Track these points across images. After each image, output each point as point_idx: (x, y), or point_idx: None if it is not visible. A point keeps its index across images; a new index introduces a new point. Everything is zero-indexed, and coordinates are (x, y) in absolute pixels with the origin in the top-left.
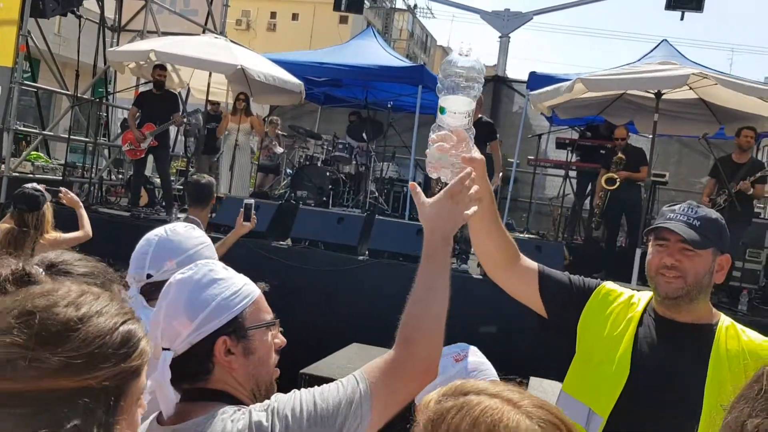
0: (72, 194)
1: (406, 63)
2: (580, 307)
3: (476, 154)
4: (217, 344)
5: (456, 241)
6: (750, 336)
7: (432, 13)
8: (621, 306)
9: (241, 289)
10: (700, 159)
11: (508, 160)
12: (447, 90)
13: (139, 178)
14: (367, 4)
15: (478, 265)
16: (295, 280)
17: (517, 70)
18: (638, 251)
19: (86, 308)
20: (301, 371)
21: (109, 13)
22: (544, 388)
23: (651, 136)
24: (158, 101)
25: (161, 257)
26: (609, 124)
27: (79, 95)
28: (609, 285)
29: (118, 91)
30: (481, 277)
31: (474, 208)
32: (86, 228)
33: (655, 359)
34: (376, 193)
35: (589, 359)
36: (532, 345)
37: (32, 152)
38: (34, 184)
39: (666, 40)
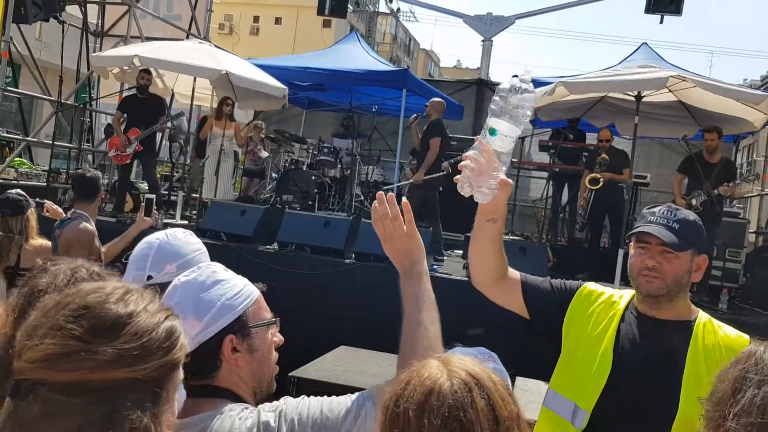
0: (56, 206)
1: (390, 67)
2: (564, 309)
3: (504, 177)
4: (224, 342)
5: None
6: (726, 331)
7: (415, 17)
8: (602, 305)
9: (243, 289)
10: (681, 160)
11: None
12: (503, 114)
13: (124, 183)
14: (350, 8)
15: (464, 267)
16: (282, 284)
17: (500, 74)
18: (621, 252)
19: (133, 305)
20: (290, 374)
21: (92, 18)
22: (529, 388)
23: (632, 138)
24: (143, 105)
25: (162, 260)
26: (572, 125)
27: (62, 101)
28: (590, 286)
29: (102, 97)
30: (466, 279)
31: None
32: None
33: (636, 354)
34: (362, 197)
35: (574, 357)
36: (518, 346)
37: (15, 158)
38: (18, 190)
39: (646, 43)
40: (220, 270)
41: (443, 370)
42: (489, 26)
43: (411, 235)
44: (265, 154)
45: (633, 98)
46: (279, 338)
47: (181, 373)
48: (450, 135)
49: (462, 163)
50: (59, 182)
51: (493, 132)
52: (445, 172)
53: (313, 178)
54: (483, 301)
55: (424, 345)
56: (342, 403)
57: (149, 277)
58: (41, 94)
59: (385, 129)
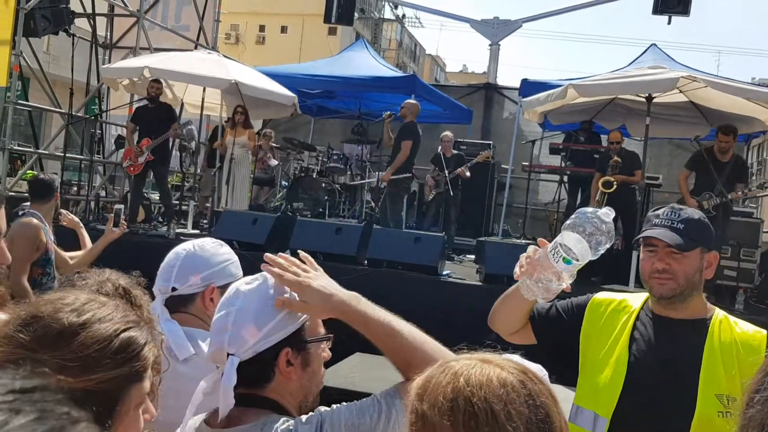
0: (72, 216)
1: (398, 73)
2: (577, 331)
3: (567, 279)
4: (281, 354)
5: None
6: (742, 327)
7: (420, 23)
8: (614, 312)
9: None
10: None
11: (503, 166)
12: (589, 243)
13: (137, 194)
14: (355, 15)
15: (477, 271)
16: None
17: (508, 77)
18: (635, 253)
19: (89, 315)
20: None
21: (101, 30)
22: None
23: (643, 140)
24: (154, 114)
25: (187, 272)
26: (585, 127)
27: (73, 113)
28: (599, 296)
29: (112, 109)
30: (479, 284)
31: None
32: (87, 245)
33: (651, 356)
34: (372, 203)
35: (592, 369)
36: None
37: (27, 171)
38: None
39: (655, 44)
40: (279, 284)
41: (492, 364)
42: (496, 30)
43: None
44: (274, 162)
45: (644, 99)
46: (327, 354)
47: (146, 386)
48: (459, 139)
49: (521, 272)
50: (71, 194)
51: (568, 261)
52: (410, 174)
53: (323, 185)
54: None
55: (431, 345)
56: (371, 404)
57: (173, 289)
58: (51, 107)
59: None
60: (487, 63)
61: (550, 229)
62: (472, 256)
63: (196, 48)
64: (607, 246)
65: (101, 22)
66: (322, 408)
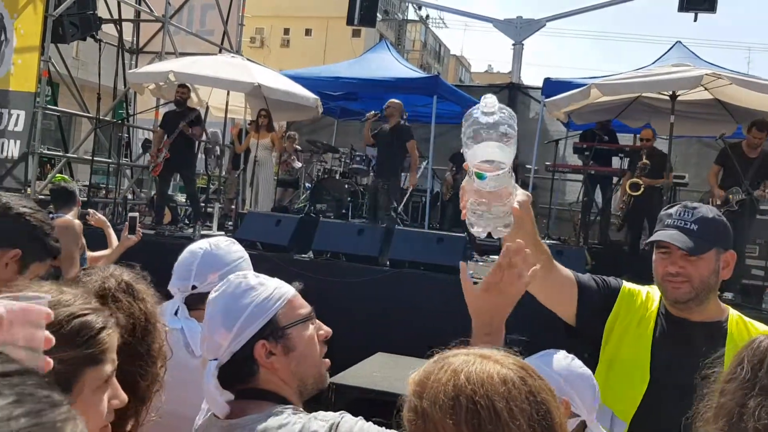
0: (99, 215)
1: (421, 74)
2: (607, 312)
3: (519, 197)
4: (256, 348)
5: None
6: (757, 328)
7: (444, 23)
8: (639, 308)
9: (273, 292)
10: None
11: (527, 166)
12: (487, 141)
13: (162, 197)
14: (379, 17)
15: None
16: (318, 292)
17: (531, 77)
18: None
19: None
20: (329, 381)
21: (127, 35)
22: None
23: (668, 138)
24: (179, 118)
25: (205, 270)
26: (602, 125)
27: (101, 117)
28: (628, 286)
29: (139, 113)
30: None
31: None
32: (113, 245)
33: (673, 361)
34: (395, 204)
35: (612, 364)
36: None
37: (57, 175)
38: None
39: (680, 41)
40: (251, 277)
41: (487, 361)
42: (519, 30)
43: (520, 290)
44: (298, 164)
45: (668, 97)
46: (325, 330)
47: (104, 373)
48: None
49: (463, 211)
50: (99, 197)
51: (481, 177)
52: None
53: (346, 186)
54: (518, 305)
55: None
56: None
57: (194, 287)
58: (79, 112)
59: (417, 135)
60: (511, 63)
61: (574, 229)
62: (495, 257)
63: (220, 52)
64: (511, 124)
65: (127, 28)
66: (348, 415)
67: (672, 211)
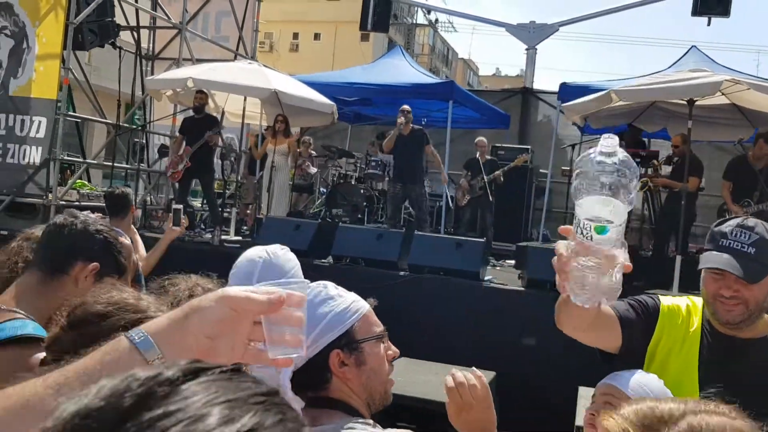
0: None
1: (436, 79)
2: (649, 336)
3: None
4: (331, 357)
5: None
6: None
7: (454, 27)
8: (681, 326)
9: (351, 305)
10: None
11: (541, 171)
12: (614, 195)
13: (181, 202)
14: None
15: (519, 277)
16: None
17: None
18: (678, 258)
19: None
20: None
21: (143, 42)
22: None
23: (687, 144)
24: (199, 124)
25: (267, 278)
26: (634, 133)
27: (120, 123)
28: (665, 301)
29: (157, 120)
30: (521, 289)
31: None
32: (141, 252)
33: (723, 380)
34: (410, 209)
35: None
36: (575, 354)
37: (77, 180)
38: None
39: (695, 46)
40: (331, 287)
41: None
42: (532, 34)
43: (489, 405)
44: (313, 170)
45: (685, 102)
46: (394, 351)
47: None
48: (497, 144)
49: (567, 274)
50: None
51: (602, 230)
52: None
53: (362, 191)
54: (537, 311)
55: None
56: None
57: None
58: (97, 118)
59: (432, 141)
60: (520, 66)
61: None
62: (512, 261)
63: (235, 58)
64: (637, 178)
65: (144, 34)
66: None
67: (727, 230)
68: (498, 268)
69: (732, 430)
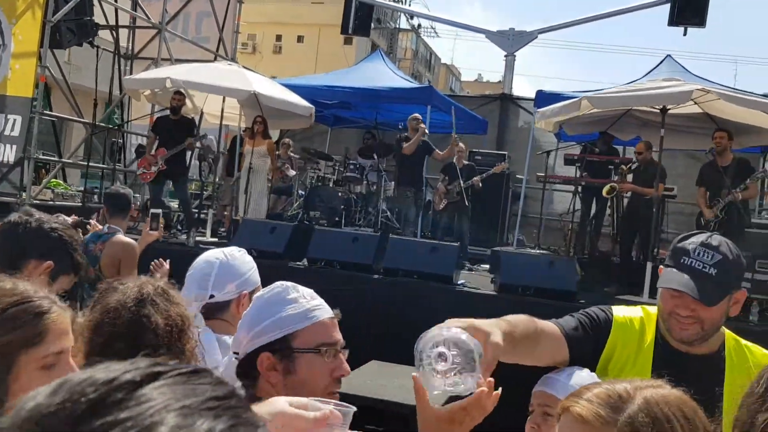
0: (99, 225)
1: (415, 84)
2: (601, 347)
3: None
4: (260, 358)
5: None
6: (753, 351)
7: (436, 32)
8: (635, 338)
9: (303, 311)
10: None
11: (518, 176)
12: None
13: (156, 202)
14: (372, 25)
15: (492, 281)
16: None
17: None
18: (649, 265)
19: None
20: None
21: (122, 41)
22: None
23: (658, 151)
24: (174, 126)
25: (224, 280)
26: (605, 139)
27: (97, 123)
28: (619, 313)
29: (134, 119)
30: (494, 293)
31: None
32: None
33: None
34: (388, 212)
35: None
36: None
37: (52, 180)
38: None
39: (670, 55)
40: (291, 290)
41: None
42: (511, 41)
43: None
44: (292, 172)
45: (658, 111)
46: (344, 369)
47: (46, 352)
48: (474, 150)
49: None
50: (93, 202)
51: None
52: None
53: (340, 194)
54: (508, 314)
55: None
56: None
57: (212, 296)
58: (73, 117)
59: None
60: (502, 72)
61: (564, 239)
62: (487, 266)
63: (215, 59)
64: (468, 382)
65: (123, 34)
66: None
67: (690, 248)
68: (473, 272)
69: (676, 398)
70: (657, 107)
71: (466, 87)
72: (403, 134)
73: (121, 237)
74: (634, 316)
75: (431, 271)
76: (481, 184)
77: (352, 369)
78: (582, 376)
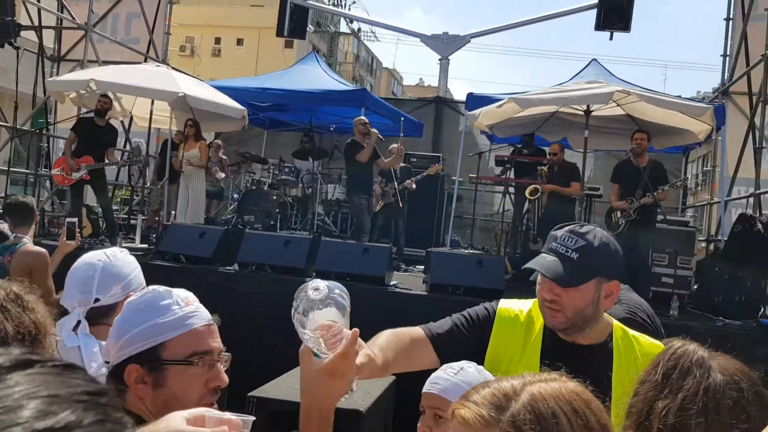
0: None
1: (349, 86)
2: (485, 343)
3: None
4: (127, 370)
5: None
6: (640, 342)
7: (376, 37)
8: (522, 329)
9: (174, 319)
10: None
11: (452, 178)
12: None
13: (76, 208)
14: (311, 28)
15: (424, 281)
16: (243, 304)
17: (462, 91)
18: None
19: None
20: (249, 394)
21: (48, 42)
22: None
23: (583, 152)
24: (98, 131)
25: (108, 282)
26: (526, 140)
27: (18, 126)
28: (504, 305)
29: (59, 122)
30: (426, 293)
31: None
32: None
33: None
34: (324, 215)
35: None
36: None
37: None
38: None
39: (595, 59)
40: (165, 295)
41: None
42: (445, 45)
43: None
44: (222, 175)
45: (583, 113)
46: (221, 380)
47: None
48: (410, 152)
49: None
50: None
51: (316, 355)
52: None
53: (275, 198)
54: (438, 314)
55: None
56: None
57: (96, 300)
58: None
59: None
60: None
61: (495, 239)
62: (422, 267)
63: (145, 60)
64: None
65: (49, 35)
66: None
67: (559, 233)
68: (409, 273)
69: (567, 391)
70: (581, 109)
71: (408, 91)
72: (351, 138)
73: (30, 246)
74: (521, 309)
75: (363, 273)
76: (414, 186)
77: (281, 373)
78: (469, 377)
